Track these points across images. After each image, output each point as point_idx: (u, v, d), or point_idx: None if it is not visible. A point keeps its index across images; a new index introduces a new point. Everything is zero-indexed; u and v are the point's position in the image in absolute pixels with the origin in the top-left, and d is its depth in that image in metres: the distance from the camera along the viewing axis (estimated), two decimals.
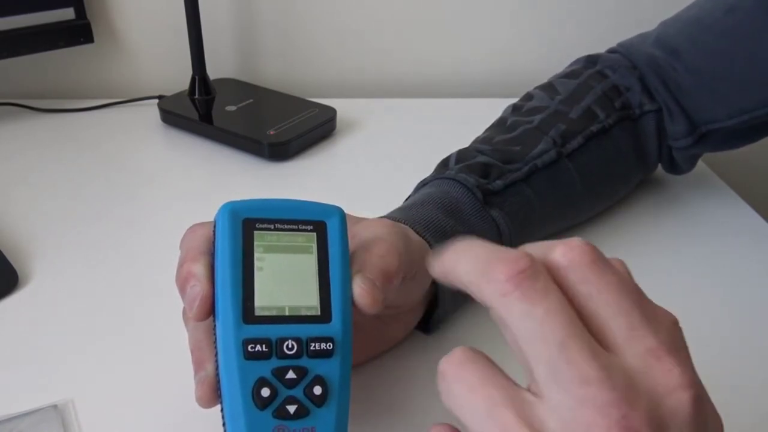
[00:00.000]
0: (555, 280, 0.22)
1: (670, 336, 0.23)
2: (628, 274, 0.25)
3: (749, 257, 0.54)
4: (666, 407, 0.21)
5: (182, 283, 0.30)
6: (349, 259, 0.31)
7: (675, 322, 0.24)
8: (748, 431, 0.38)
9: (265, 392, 0.28)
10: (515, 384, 0.22)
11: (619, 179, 0.56)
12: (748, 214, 0.60)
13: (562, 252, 0.23)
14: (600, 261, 0.23)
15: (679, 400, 0.21)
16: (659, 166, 0.60)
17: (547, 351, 0.21)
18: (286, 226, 0.31)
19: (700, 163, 0.65)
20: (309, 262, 0.31)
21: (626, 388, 0.21)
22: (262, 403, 0.28)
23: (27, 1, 0.68)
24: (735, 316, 0.47)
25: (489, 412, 0.21)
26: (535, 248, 0.24)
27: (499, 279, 0.22)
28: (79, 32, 0.72)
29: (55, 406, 0.37)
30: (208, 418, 0.29)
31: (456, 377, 0.22)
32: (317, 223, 0.31)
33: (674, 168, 0.59)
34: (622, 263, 0.25)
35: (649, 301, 0.24)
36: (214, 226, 0.31)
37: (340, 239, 0.31)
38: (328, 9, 0.81)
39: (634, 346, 0.22)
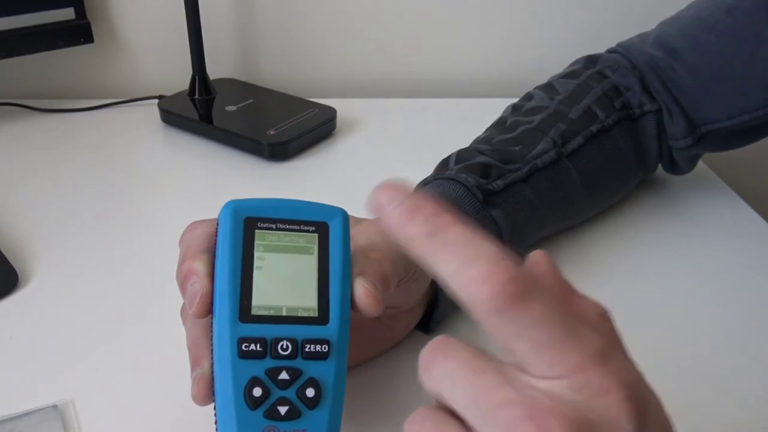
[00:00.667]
0: (485, 320, 0.22)
1: (599, 337, 0.22)
2: (552, 268, 0.25)
3: (749, 257, 0.54)
4: (594, 412, 0.21)
5: (183, 280, 0.30)
6: (350, 262, 0.31)
7: (601, 314, 0.24)
8: (747, 431, 0.38)
9: (257, 392, 0.28)
10: (501, 362, 0.22)
11: (619, 179, 0.56)
12: (748, 214, 0.60)
13: (485, 297, 0.22)
14: (518, 295, 0.21)
15: (606, 405, 0.21)
16: (659, 166, 0.60)
17: (464, 392, 0.22)
18: (287, 226, 0.31)
19: (700, 163, 0.65)
20: (309, 263, 0.30)
21: (541, 400, 0.21)
22: (254, 403, 0.27)
23: (27, 1, 0.68)
24: (735, 316, 0.47)
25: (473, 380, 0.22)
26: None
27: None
28: (79, 32, 0.72)
29: (55, 406, 0.37)
30: (208, 417, 0.29)
31: (411, 430, 0.23)
32: (319, 224, 0.31)
33: (674, 168, 0.59)
34: (545, 259, 0.25)
35: (577, 297, 0.24)
36: (217, 224, 0.31)
37: (342, 241, 0.31)
38: (328, 9, 0.81)
39: (558, 368, 0.21)
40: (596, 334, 0.22)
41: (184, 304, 0.32)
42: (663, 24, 0.58)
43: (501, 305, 0.21)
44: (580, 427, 0.20)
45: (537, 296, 0.22)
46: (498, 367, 0.22)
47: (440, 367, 0.23)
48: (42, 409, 0.36)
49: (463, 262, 0.22)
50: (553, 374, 0.21)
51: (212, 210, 0.32)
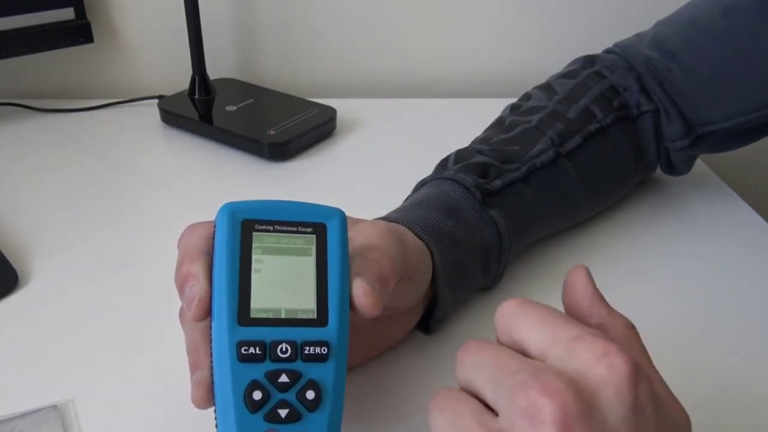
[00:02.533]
0: (505, 329, 0.27)
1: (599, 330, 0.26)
2: (587, 280, 0.30)
3: (749, 257, 0.54)
4: (594, 377, 0.23)
5: (181, 283, 0.30)
6: (348, 263, 0.31)
7: (629, 326, 0.28)
8: (747, 431, 0.38)
9: (257, 395, 0.28)
10: (484, 406, 0.25)
11: (618, 179, 0.56)
12: (748, 214, 0.60)
13: (501, 310, 0.28)
14: (524, 303, 0.27)
15: (607, 368, 0.23)
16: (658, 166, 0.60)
17: (486, 371, 0.26)
18: (285, 228, 0.31)
19: (700, 164, 0.65)
20: (307, 264, 0.30)
21: (546, 368, 0.24)
22: (254, 406, 0.27)
23: (27, 1, 0.68)
24: (735, 316, 0.47)
25: (451, 422, 0.25)
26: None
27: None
28: (79, 32, 0.72)
29: (55, 406, 0.37)
30: (208, 419, 0.29)
31: (435, 405, 0.26)
32: (317, 226, 0.31)
33: (671, 169, 0.59)
34: (583, 271, 0.31)
35: (606, 309, 0.28)
36: (215, 227, 0.31)
37: (340, 242, 0.31)
38: (327, 9, 0.81)
39: (559, 339, 0.25)
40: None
41: (182, 307, 0.32)
42: (659, 24, 0.57)
43: (513, 309, 0.27)
44: (578, 386, 0.23)
45: (537, 305, 0.27)
46: (516, 354, 0.26)
47: (470, 358, 0.27)
48: (42, 409, 0.37)
49: None
50: (558, 333, 0.25)
51: (212, 210, 0.32)
